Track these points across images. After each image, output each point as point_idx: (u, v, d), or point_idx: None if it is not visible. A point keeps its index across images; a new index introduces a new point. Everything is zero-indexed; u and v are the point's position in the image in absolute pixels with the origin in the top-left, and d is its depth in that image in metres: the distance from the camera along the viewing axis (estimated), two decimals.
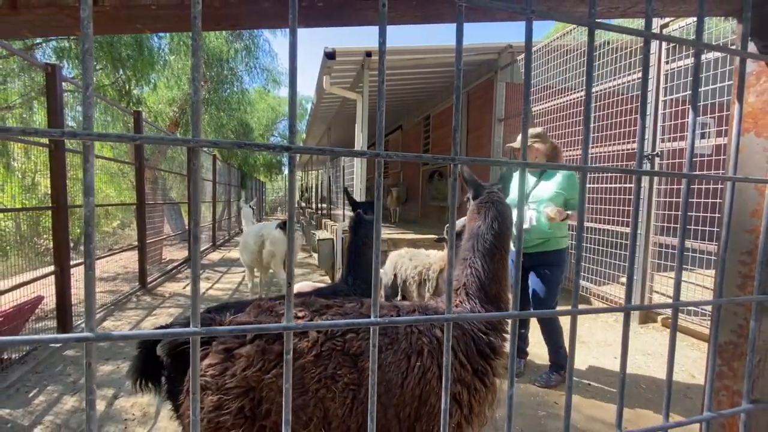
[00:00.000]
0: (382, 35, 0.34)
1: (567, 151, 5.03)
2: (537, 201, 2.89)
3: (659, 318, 4.02)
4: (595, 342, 3.81)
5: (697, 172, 0.46)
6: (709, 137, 4.18)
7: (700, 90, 3.31)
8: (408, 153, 0.35)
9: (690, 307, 3.99)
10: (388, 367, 1.38)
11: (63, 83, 4.52)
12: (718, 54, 3.52)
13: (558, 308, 3.10)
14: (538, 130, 2.98)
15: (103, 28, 0.51)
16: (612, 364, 3.32)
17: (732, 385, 0.60)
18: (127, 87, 7.12)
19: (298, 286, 3.74)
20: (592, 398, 2.84)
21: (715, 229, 3.65)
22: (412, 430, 1.38)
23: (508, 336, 1.71)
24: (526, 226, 2.87)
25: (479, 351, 1.53)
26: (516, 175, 2.95)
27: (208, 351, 1.34)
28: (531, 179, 2.91)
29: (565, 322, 3.10)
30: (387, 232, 7.17)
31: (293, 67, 0.33)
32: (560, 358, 2.98)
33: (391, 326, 1.48)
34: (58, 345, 4.11)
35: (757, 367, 0.58)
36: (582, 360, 3.39)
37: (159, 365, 1.59)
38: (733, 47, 0.55)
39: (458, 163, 0.36)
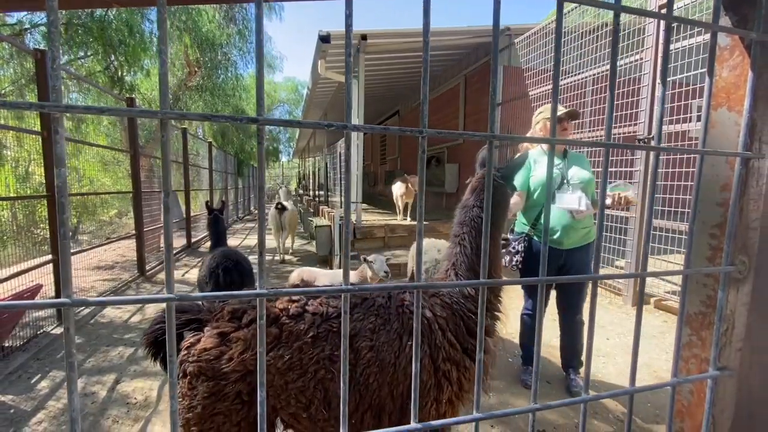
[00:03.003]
0: (349, 7, 0.34)
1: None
2: (581, 182, 2.46)
3: (651, 300, 4.08)
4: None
5: (665, 145, 0.46)
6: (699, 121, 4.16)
7: (683, 67, 3.18)
8: (375, 126, 0.36)
9: (675, 287, 4.05)
10: (381, 347, 1.41)
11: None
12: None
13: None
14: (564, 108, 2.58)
15: (72, 2, 0.51)
16: (604, 344, 3.38)
17: (700, 354, 0.62)
18: (120, 73, 7.02)
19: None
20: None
21: None
22: (406, 407, 1.42)
23: (499, 315, 1.71)
24: (576, 207, 2.33)
25: (468, 330, 1.55)
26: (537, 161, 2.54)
27: (200, 336, 1.36)
28: (543, 160, 2.54)
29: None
30: (385, 219, 7.19)
31: (260, 39, 0.34)
32: (579, 356, 2.77)
33: (384, 308, 1.51)
34: (59, 332, 4.16)
35: (724, 336, 0.60)
36: None
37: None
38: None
39: (492, 139, 0.36)
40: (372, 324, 1.45)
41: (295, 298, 1.49)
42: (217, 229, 3.87)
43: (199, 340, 1.35)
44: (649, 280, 4.22)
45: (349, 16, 0.34)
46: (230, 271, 3.01)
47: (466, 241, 1.62)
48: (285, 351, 1.34)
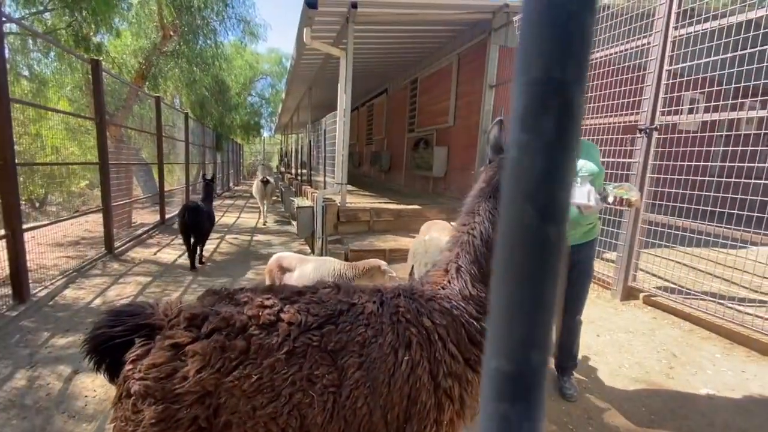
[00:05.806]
0: None
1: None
2: (590, 174, 2.24)
3: (641, 295, 4.02)
4: None
5: None
6: (695, 113, 4.05)
7: (694, 63, 2.96)
8: None
9: (671, 285, 4.00)
10: (372, 364, 1.20)
11: (5, 24, 3.94)
12: (712, 23, 3.30)
13: None
14: None
15: None
16: (594, 342, 3.29)
17: None
18: (85, 31, 6.36)
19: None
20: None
21: (701, 207, 3.59)
22: None
23: None
24: (585, 201, 2.11)
25: (471, 339, 1.36)
26: None
27: (149, 346, 1.11)
28: None
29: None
30: (370, 201, 6.95)
31: None
32: (575, 358, 2.64)
33: (375, 316, 1.29)
34: (15, 314, 3.81)
35: None
36: None
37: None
38: None
39: None
40: (361, 336, 1.23)
41: (267, 303, 1.26)
42: (207, 191, 6.01)
43: (148, 352, 1.10)
44: (639, 274, 4.16)
45: None
46: (194, 211, 5.26)
47: (476, 231, 1.38)
48: (252, 369, 1.11)
